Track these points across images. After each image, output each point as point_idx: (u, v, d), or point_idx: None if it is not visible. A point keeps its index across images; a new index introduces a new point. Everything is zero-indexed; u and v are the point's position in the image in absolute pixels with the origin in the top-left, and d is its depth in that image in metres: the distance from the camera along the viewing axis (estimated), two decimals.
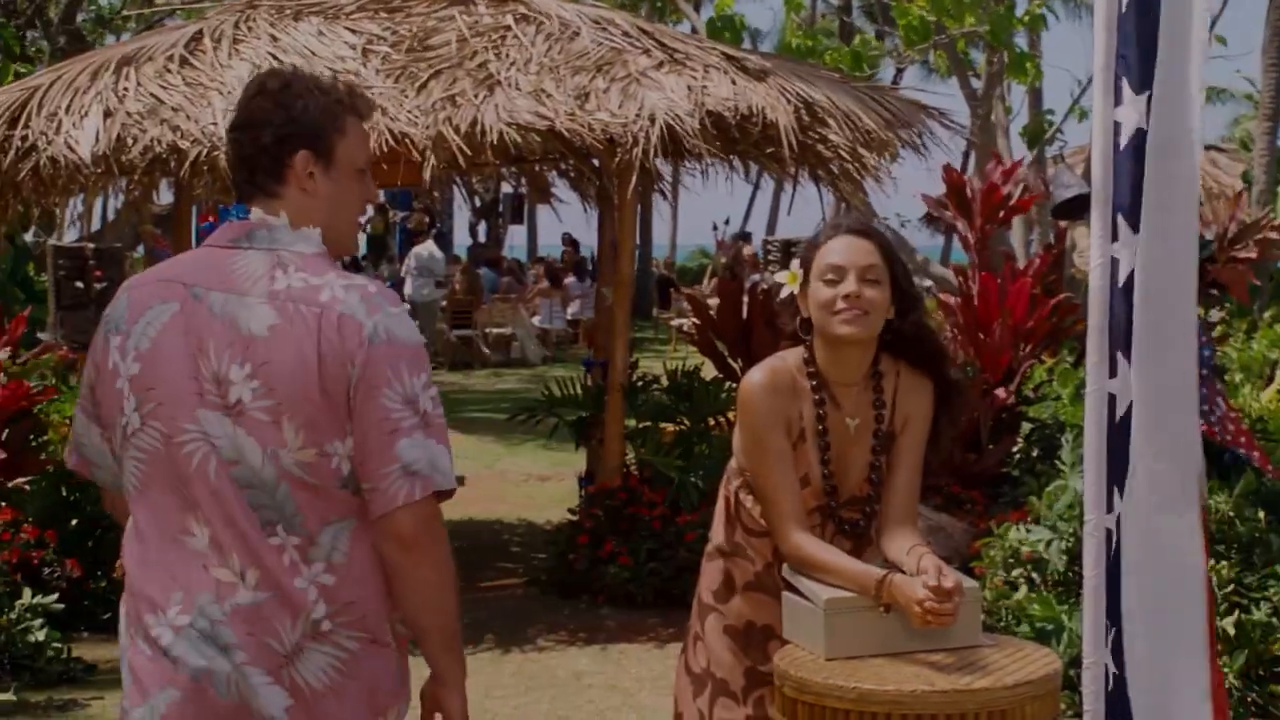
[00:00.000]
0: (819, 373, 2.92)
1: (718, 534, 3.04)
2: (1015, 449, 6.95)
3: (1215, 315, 8.48)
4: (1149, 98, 2.79)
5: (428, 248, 18.86)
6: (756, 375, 2.92)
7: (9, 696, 5.47)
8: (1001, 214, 7.51)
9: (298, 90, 2.36)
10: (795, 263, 2.96)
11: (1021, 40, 13.50)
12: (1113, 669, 2.87)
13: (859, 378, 2.93)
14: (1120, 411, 2.87)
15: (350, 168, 2.40)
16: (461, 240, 28.57)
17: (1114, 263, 2.86)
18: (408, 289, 17.83)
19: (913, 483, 2.96)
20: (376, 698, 2.33)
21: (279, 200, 2.35)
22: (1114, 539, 2.87)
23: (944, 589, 2.66)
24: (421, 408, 2.26)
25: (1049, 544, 5.46)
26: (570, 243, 23.79)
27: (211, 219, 8.11)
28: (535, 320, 20.31)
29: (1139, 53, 2.82)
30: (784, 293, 2.95)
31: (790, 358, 2.94)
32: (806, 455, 2.89)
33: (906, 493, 2.95)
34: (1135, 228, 2.82)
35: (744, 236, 26.12)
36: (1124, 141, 2.84)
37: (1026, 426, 7.11)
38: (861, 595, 2.75)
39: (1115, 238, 2.86)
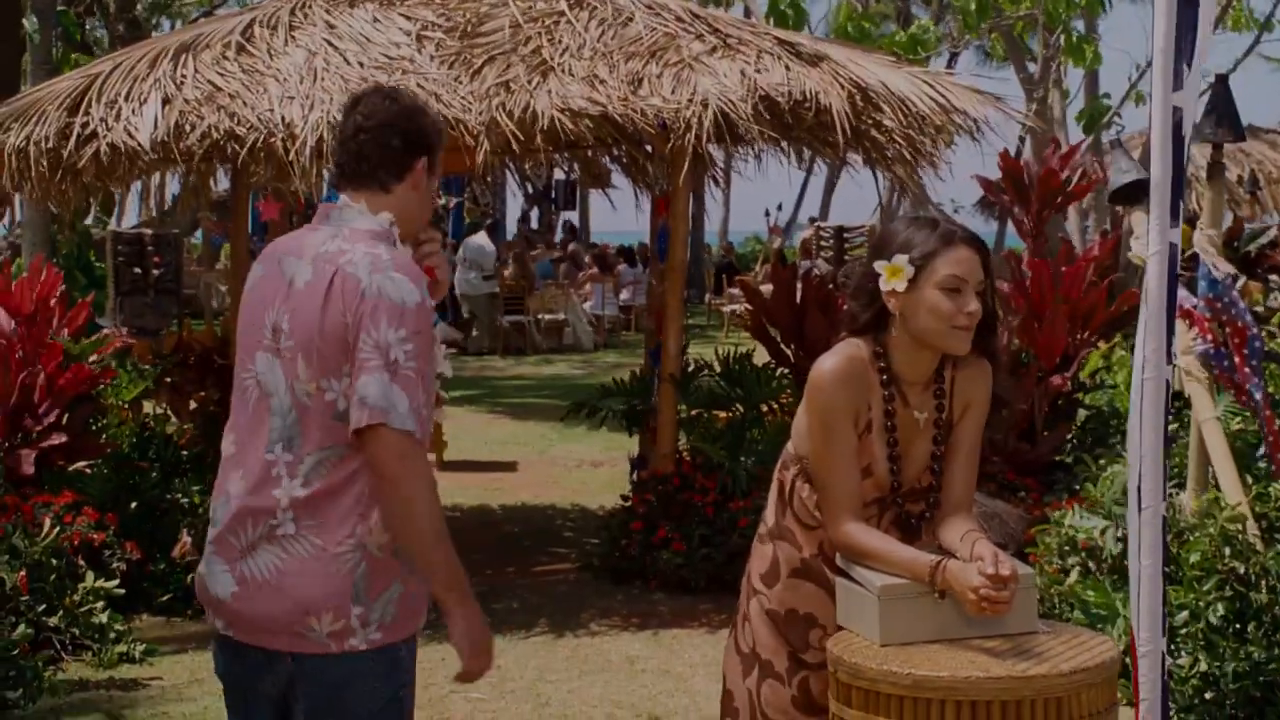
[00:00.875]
0: (890, 368, 2.90)
1: (769, 517, 3.04)
2: (1070, 436, 6.90)
3: (1277, 300, 8.38)
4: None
5: (479, 239, 18.97)
6: (831, 362, 2.88)
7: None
8: (1059, 200, 7.45)
9: (418, 107, 2.90)
10: (902, 258, 2.84)
11: (1078, 24, 13.35)
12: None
13: (929, 376, 2.93)
14: None
15: (438, 176, 2.91)
16: (514, 227, 28.66)
17: (1173, 249, 2.84)
18: (456, 277, 17.91)
19: (970, 469, 2.95)
20: (308, 597, 2.65)
21: (389, 194, 2.81)
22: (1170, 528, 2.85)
23: (1000, 576, 2.65)
24: (392, 356, 2.61)
25: (1104, 531, 5.43)
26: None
27: (266, 204, 8.15)
28: (587, 306, 20.33)
29: (1195, 38, 2.80)
30: (887, 287, 2.84)
31: (863, 348, 2.91)
32: (872, 447, 2.88)
33: (964, 480, 2.94)
34: None
35: (812, 221, 26.11)
36: (1188, 126, 2.81)
37: (1082, 414, 7.06)
38: (916, 582, 2.75)
39: (1176, 224, 2.83)
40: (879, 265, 2.86)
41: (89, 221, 17.99)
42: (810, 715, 2.94)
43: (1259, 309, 7.76)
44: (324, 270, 2.69)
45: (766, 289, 8.31)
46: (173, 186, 9.55)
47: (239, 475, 2.75)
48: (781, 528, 3.02)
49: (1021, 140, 15.96)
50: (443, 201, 23.18)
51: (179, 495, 6.74)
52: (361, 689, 2.69)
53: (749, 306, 8.10)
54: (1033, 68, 14.20)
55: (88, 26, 20.23)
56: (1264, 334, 5.41)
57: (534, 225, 27.73)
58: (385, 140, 2.81)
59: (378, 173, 2.81)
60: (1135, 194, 7.63)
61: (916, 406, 2.92)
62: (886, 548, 2.83)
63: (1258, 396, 4.93)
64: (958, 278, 2.82)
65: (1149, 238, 2.90)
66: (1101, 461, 5.97)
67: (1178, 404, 5.42)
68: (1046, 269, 7.11)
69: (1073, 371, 7.01)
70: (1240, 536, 4.75)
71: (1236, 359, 4.89)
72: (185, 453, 7.26)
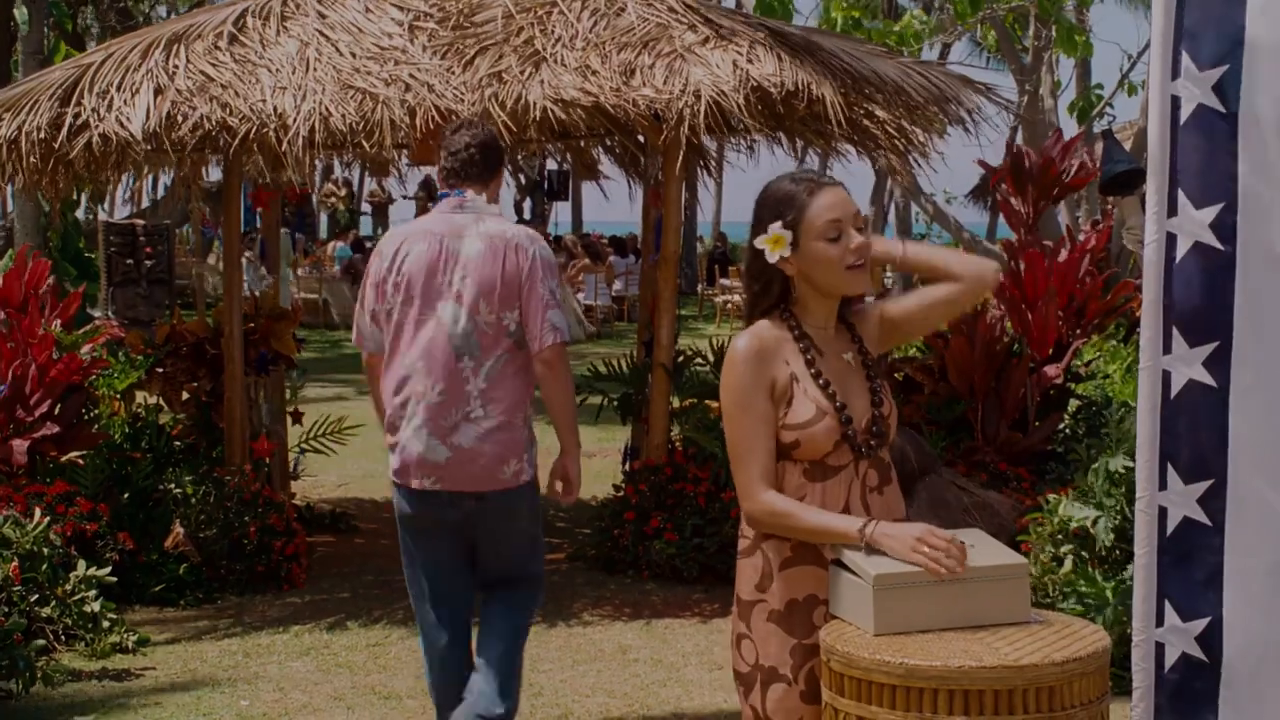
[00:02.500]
0: (801, 324, 2.98)
1: (748, 530, 3.04)
2: (1062, 426, 6.92)
3: None
4: (1227, 73, 2.76)
5: None
6: (742, 341, 2.97)
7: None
8: (1055, 190, 7.45)
9: (497, 134, 4.60)
10: (776, 225, 2.92)
11: (1069, 15, 13.35)
12: (1198, 656, 2.86)
13: (834, 321, 3.03)
14: (1176, 388, 2.85)
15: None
16: (507, 216, 28.58)
17: (1170, 238, 2.84)
18: None
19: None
20: (498, 454, 4.16)
21: (486, 188, 4.32)
22: (1168, 517, 2.86)
23: (931, 539, 2.76)
24: (557, 295, 4.23)
25: (1095, 520, 5.44)
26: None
27: (258, 195, 8.16)
28: (580, 297, 20.34)
29: (1208, 26, 2.79)
30: (774, 258, 2.92)
31: (769, 323, 2.99)
32: (808, 393, 2.93)
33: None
34: (1199, 203, 2.80)
35: None
36: (1185, 116, 2.81)
37: (1074, 403, 7.07)
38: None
39: (1173, 212, 2.83)
40: (758, 242, 2.94)
41: (80, 213, 17.95)
42: (817, 704, 2.94)
43: None
44: (494, 242, 4.19)
45: None
46: (164, 178, 9.50)
47: (431, 382, 4.14)
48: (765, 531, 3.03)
49: (1014, 131, 15.98)
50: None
51: (171, 485, 6.74)
52: (523, 505, 4.26)
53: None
54: (1025, 59, 14.22)
55: (79, 18, 20.17)
56: None
57: (527, 215, 27.71)
58: (486, 155, 4.32)
59: (483, 175, 4.32)
60: (1127, 184, 7.67)
61: (839, 350, 3.00)
62: (810, 514, 2.89)
63: None
64: (834, 222, 2.90)
65: (1146, 227, 2.90)
66: (1092, 452, 5.98)
67: None
68: (1040, 259, 7.12)
69: (1066, 362, 7.02)
70: None
71: None
72: (178, 443, 7.26)
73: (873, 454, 2.98)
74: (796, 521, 2.90)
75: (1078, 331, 7.17)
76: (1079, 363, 7.11)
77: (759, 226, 2.96)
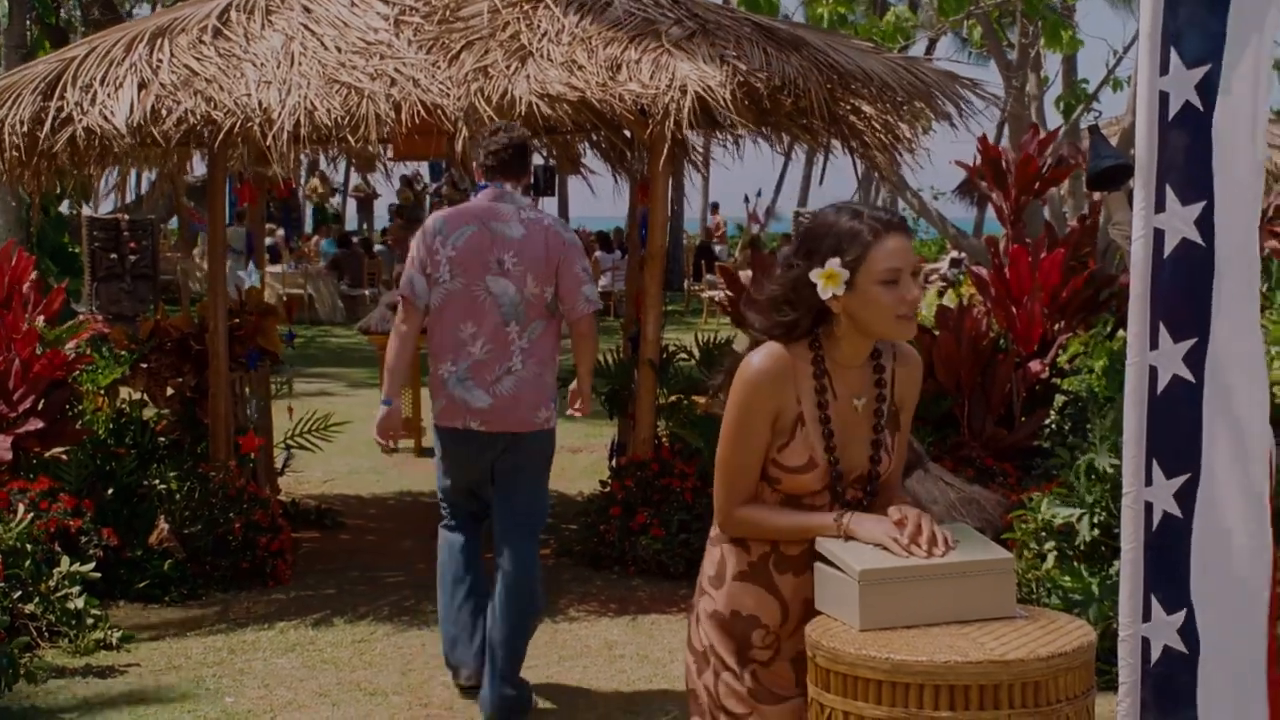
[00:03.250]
0: (824, 360, 2.90)
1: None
2: (1048, 421, 6.93)
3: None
4: (1209, 72, 2.78)
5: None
6: (759, 359, 2.88)
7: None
8: (1037, 185, 7.46)
9: (528, 136, 5.30)
10: (835, 262, 2.82)
11: (1056, 10, 13.35)
12: (1179, 648, 2.88)
13: (863, 361, 2.94)
14: (1162, 384, 2.86)
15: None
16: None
17: (1158, 234, 2.84)
18: None
19: (901, 454, 3.02)
20: (538, 398, 5.10)
21: (519, 181, 5.14)
22: (1153, 512, 2.88)
23: (903, 521, 2.79)
24: (588, 271, 5.21)
25: (1080, 517, 5.45)
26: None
27: (243, 190, 8.14)
28: None
29: (1194, 25, 2.80)
30: (827, 294, 2.82)
31: (790, 347, 2.90)
32: (809, 439, 2.88)
33: (897, 468, 3.00)
34: (1184, 200, 2.81)
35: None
36: (1173, 112, 2.82)
37: (1059, 399, 7.08)
38: (895, 567, 2.76)
39: (1161, 208, 2.84)
40: (814, 275, 2.83)
41: (64, 208, 17.88)
42: (768, 704, 2.95)
43: None
44: (535, 228, 5.09)
45: (745, 275, 8.31)
46: (148, 173, 9.45)
47: (481, 342, 5.03)
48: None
49: (1001, 127, 16.00)
50: (420, 186, 23.16)
51: (156, 481, 6.72)
52: (549, 445, 5.22)
53: (729, 293, 8.10)
54: (1011, 55, 14.21)
55: (62, 10, 20.08)
56: None
57: None
58: (521, 153, 5.13)
59: (519, 171, 5.14)
60: (1113, 179, 7.66)
61: (854, 393, 2.91)
62: (783, 516, 2.89)
63: None
64: (894, 270, 2.81)
65: (1134, 223, 2.90)
66: (1075, 453, 5.98)
67: None
68: (1025, 255, 7.12)
69: (1050, 357, 7.03)
70: None
71: None
72: (162, 439, 7.24)
73: (856, 507, 2.93)
74: (771, 524, 2.90)
75: (1061, 326, 7.18)
76: (1064, 358, 7.12)
77: (814, 257, 2.84)
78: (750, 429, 2.88)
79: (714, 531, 3.03)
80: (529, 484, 5.18)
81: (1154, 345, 2.87)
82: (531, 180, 5.16)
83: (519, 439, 5.08)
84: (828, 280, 2.83)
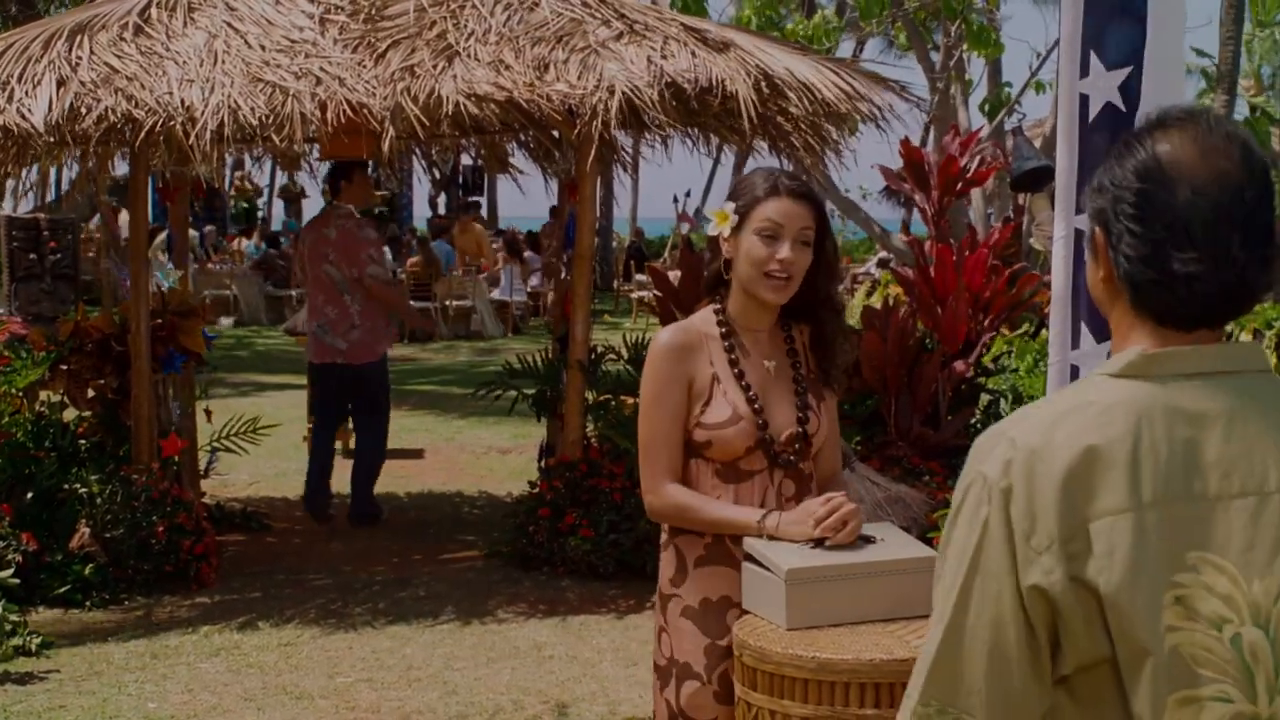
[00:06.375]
0: (729, 320, 2.99)
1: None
2: (974, 420, 7.00)
3: None
4: (1131, 74, 2.82)
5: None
6: (665, 335, 2.99)
7: None
8: (959, 186, 7.53)
9: None
10: (729, 204, 2.97)
11: (979, 16, 13.50)
12: None
13: (768, 325, 3.02)
14: None
15: None
16: (421, 212, 28.43)
17: (1078, 234, 2.88)
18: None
19: (834, 448, 3.09)
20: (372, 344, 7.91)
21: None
22: None
23: (832, 508, 2.83)
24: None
25: None
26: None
27: (166, 190, 8.06)
28: (495, 293, 20.24)
29: (1114, 29, 2.84)
30: (711, 230, 2.97)
31: (703, 315, 3.02)
32: (728, 395, 2.94)
33: (829, 457, 3.08)
34: None
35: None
36: (1093, 114, 2.86)
37: (985, 398, 7.15)
38: (822, 566, 2.77)
39: (1081, 210, 2.88)
40: (708, 211, 3.00)
41: None
42: (730, 704, 2.94)
43: None
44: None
45: (675, 275, 8.31)
46: (68, 171, 9.30)
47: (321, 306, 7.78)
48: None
49: (927, 129, 16.14)
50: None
51: (77, 485, 6.61)
52: (383, 374, 7.88)
53: (657, 293, 8.11)
54: (936, 57, 14.35)
55: None
56: None
57: (442, 211, 27.52)
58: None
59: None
60: (1036, 181, 7.76)
61: (764, 356, 3.00)
62: (711, 506, 2.92)
63: None
64: (774, 223, 2.90)
65: (1055, 223, 2.94)
66: None
67: None
68: (949, 255, 7.19)
69: (975, 356, 7.10)
70: None
71: None
72: (83, 441, 7.12)
73: (790, 465, 2.97)
74: (697, 514, 2.92)
75: (986, 325, 7.25)
76: (988, 357, 7.19)
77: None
78: (665, 398, 2.94)
79: (663, 536, 3.04)
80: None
81: (1075, 345, 2.91)
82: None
83: (360, 370, 7.92)
84: (719, 219, 2.97)
